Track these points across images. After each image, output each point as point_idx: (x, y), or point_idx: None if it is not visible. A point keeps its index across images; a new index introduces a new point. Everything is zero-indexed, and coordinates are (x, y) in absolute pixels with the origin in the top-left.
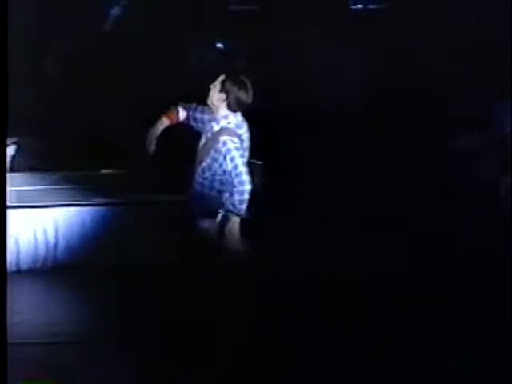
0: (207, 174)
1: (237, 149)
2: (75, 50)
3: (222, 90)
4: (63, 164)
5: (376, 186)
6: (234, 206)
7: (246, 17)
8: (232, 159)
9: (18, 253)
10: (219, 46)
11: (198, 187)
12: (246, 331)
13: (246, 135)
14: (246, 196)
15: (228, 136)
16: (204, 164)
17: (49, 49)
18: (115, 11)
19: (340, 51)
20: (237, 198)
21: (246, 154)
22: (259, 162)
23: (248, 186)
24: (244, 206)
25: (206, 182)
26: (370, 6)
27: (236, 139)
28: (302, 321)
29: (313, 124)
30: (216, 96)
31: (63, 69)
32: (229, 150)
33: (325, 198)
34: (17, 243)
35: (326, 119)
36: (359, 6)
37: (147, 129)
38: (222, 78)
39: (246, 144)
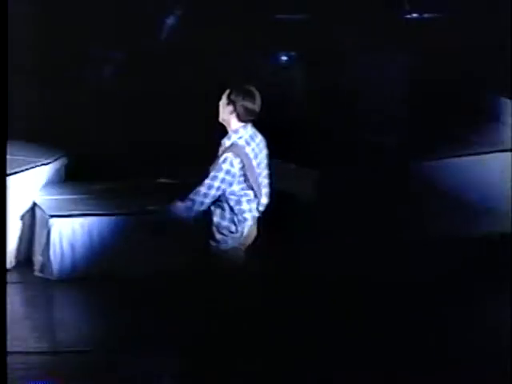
0: None
1: (227, 172)
2: (131, 58)
3: (229, 102)
4: (115, 173)
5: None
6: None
7: (294, 26)
8: (213, 178)
9: (74, 259)
10: (272, 55)
11: None
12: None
13: (258, 147)
14: (194, 205)
15: (233, 155)
16: None
17: (104, 56)
18: (170, 20)
19: (391, 58)
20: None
21: (258, 170)
22: (315, 170)
23: (199, 199)
24: (190, 211)
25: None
26: (426, 15)
27: (237, 161)
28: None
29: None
30: (225, 110)
31: (117, 77)
32: (220, 169)
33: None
34: (73, 250)
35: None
36: (414, 14)
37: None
38: (227, 91)
39: (261, 155)
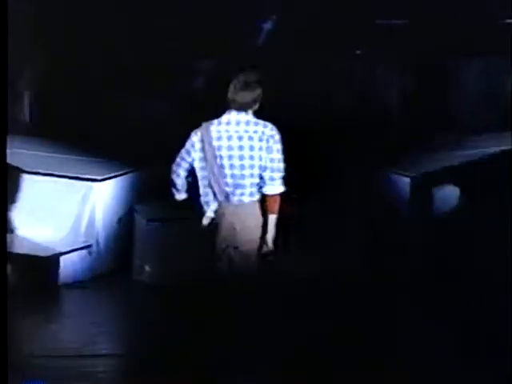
0: None
1: (191, 145)
2: (224, 66)
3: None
4: None
5: None
6: None
7: (392, 31)
8: (185, 152)
9: (170, 263)
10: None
11: None
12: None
13: (237, 134)
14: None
15: (199, 129)
16: None
17: (192, 66)
18: (267, 25)
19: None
20: None
21: (219, 152)
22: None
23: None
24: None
25: None
26: None
27: (196, 138)
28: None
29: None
30: None
31: (210, 88)
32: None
33: None
34: (170, 254)
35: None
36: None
37: None
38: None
39: (241, 143)
